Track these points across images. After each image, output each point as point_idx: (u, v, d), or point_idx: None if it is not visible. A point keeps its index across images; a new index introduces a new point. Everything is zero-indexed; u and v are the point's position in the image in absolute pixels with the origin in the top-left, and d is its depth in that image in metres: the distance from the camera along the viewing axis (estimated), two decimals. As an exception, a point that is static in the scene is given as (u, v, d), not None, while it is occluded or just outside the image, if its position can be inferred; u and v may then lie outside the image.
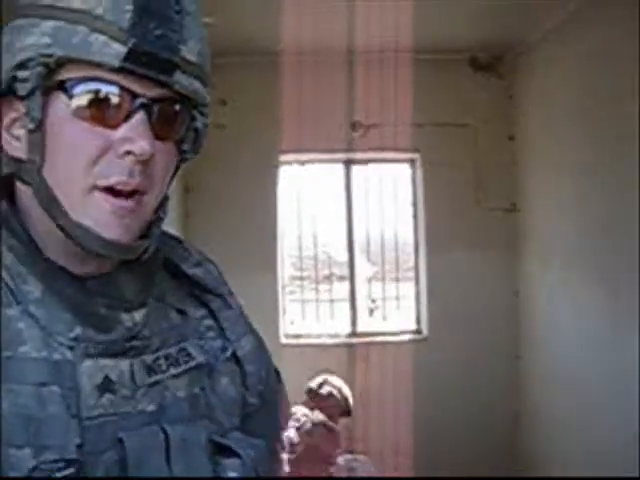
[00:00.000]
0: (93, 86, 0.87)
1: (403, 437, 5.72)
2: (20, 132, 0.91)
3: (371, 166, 6.60)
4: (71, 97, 0.87)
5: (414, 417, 5.71)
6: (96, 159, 0.88)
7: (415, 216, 6.54)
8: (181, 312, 1.07)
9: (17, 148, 0.91)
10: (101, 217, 0.89)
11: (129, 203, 0.90)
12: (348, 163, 6.49)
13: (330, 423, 3.77)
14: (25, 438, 0.82)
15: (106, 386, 0.90)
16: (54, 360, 0.87)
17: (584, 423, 4.85)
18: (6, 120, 0.92)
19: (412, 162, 6.52)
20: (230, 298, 1.21)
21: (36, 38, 0.85)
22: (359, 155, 6.39)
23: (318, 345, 6.24)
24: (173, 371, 0.97)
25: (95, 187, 0.88)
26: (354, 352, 6.19)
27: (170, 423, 0.93)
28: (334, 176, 6.59)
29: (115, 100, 0.88)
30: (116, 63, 0.84)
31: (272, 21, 5.02)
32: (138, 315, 0.96)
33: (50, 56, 0.84)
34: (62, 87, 0.87)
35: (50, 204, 0.89)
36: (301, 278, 6.83)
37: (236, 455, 0.96)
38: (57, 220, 0.89)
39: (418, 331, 6.44)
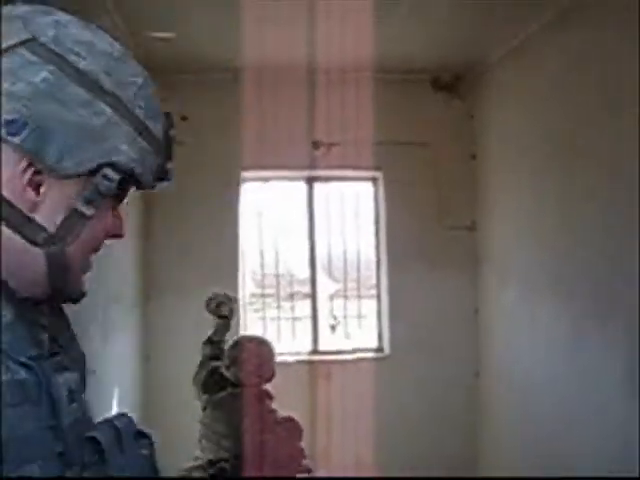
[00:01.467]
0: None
1: (364, 453, 5.71)
2: (42, 191, 0.97)
3: (333, 184, 6.62)
4: (115, 197, 1.06)
5: (375, 434, 5.70)
6: (102, 241, 1.10)
7: (377, 234, 6.56)
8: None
9: (32, 202, 0.97)
10: (84, 278, 1.09)
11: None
12: (310, 181, 6.51)
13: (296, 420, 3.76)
14: (25, 455, 0.86)
15: (72, 396, 0.98)
16: (18, 380, 0.89)
17: (543, 436, 4.88)
18: (26, 178, 0.96)
19: (374, 180, 6.55)
20: None
21: (128, 148, 1.01)
22: (321, 173, 6.41)
23: (280, 363, 6.18)
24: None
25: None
26: (316, 370, 6.18)
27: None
28: (296, 193, 6.60)
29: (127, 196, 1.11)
30: (154, 183, 1.13)
31: (233, 38, 5.03)
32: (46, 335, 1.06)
33: (132, 170, 1.03)
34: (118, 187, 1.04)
35: (60, 272, 1.01)
36: (263, 295, 6.81)
37: (144, 436, 1.12)
38: (56, 284, 1.02)
39: (380, 349, 6.44)
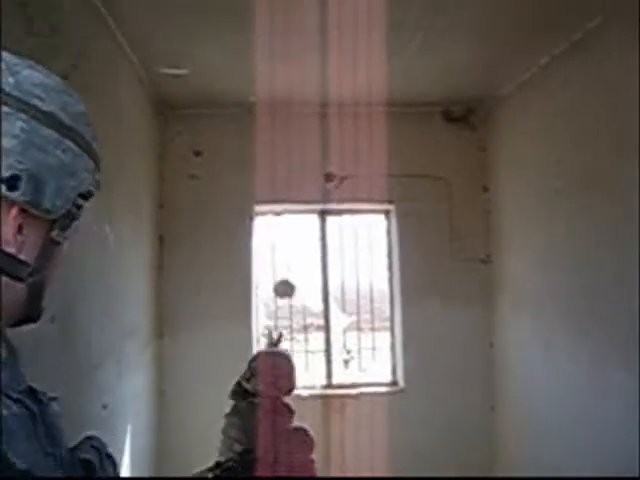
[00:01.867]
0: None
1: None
2: (24, 232, 1.01)
3: (346, 217, 6.62)
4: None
5: (389, 468, 5.64)
6: None
7: (390, 267, 6.55)
8: None
9: (19, 243, 1.01)
10: None
11: None
12: (323, 214, 6.52)
13: (309, 430, 3.76)
14: None
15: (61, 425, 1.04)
16: (14, 414, 0.91)
17: (560, 472, 4.81)
18: (16, 224, 1.00)
19: (387, 213, 6.56)
20: None
21: (87, 175, 1.09)
22: (334, 206, 6.42)
23: (293, 397, 6.16)
24: None
25: None
26: (329, 404, 6.14)
27: None
28: (309, 226, 6.61)
29: None
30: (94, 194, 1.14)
31: (246, 72, 5.09)
32: None
33: (90, 193, 1.10)
34: None
35: (38, 299, 1.07)
36: (276, 328, 6.79)
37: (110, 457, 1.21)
38: (33, 312, 1.08)
39: (394, 382, 6.40)
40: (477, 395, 6.17)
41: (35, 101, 0.98)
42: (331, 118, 6.07)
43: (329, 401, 6.18)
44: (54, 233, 1.04)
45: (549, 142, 5.10)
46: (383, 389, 6.36)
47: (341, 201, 6.34)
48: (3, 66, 0.98)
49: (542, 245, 5.24)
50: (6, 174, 0.94)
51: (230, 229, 6.04)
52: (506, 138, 6.03)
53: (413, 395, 6.14)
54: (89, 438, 1.18)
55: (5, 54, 1.01)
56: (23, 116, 0.96)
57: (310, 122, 6.08)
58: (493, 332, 6.22)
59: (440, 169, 6.31)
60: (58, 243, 1.06)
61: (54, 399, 1.10)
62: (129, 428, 4.72)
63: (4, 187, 0.94)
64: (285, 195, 6.14)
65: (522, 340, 5.64)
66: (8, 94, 0.96)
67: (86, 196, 1.09)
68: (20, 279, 1.01)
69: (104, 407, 3.96)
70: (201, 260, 6.02)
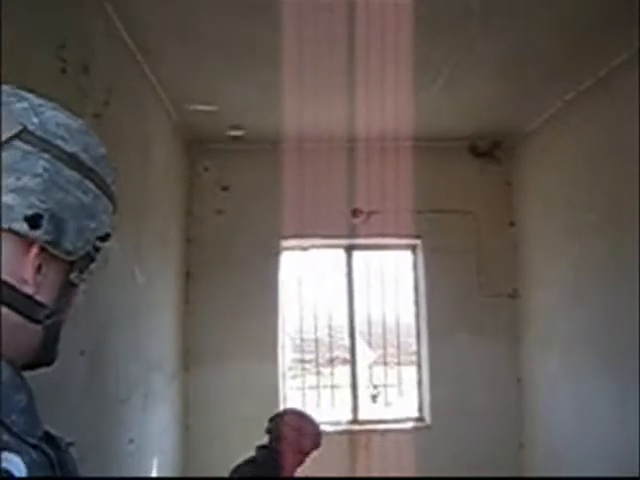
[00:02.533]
0: None
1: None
2: (43, 281, 1.00)
3: (372, 252, 6.63)
4: None
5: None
6: None
7: (417, 302, 6.53)
8: None
9: (37, 284, 0.99)
10: None
11: None
12: (349, 249, 6.53)
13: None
14: None
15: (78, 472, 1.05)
16: (33, 460, 0.91)
17: None
18: (35, 264, 0.99)
19: (413, 248, 6.56)
20: None
21: (105, 217, 1.09)
22: (360, 241, 6.43)
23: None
24: None
25: None
26: (356, 439, 6.10)
27: None
28: (336, 261, 6.62)
29: None
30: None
31: (274, 109, 5.14)
32: None
33: (108, 235, 1.10)
34: None
35: (54, 341, 1.06)
36: (302, 361, 6.79)
37: None
38: (48, 355, 1.06)
39: (420, 419, 6.35)
40: (505, 432, 6.09)
41: (58, 141, 0.99)
42: (358, 153, 6.11)
43: (355, 437, 6.14)
44: (73, 275, 1.04)
45: (575, 176, 5.09)
46: (409, 425, 6.31)
47: (368, 236, 6.34)
48: (27, 105, 0.99)
49: (570, 280, 5.20)
50: (28, 212, 0.94)
51: (257, 264, 6.07)
52: (532, 172, 6.03)
53: (440, 431, 6.08)
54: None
55: (29, 95, 1.02)
56: (46, 156, 0.97)
57: (337, 157, 6.12)
58: (521, 367, 6.16)
59: (466, 204, 6.31)
60: (76, 285, 1.06)
61: (71, 444, 1.10)
62: (155, 462, 4.72)
63: (26, 225, 0.94)
64: (312, 230, 6.17)
65: (550, 376, 5.58)
66: (32, 133, 0.96)
67: (104, 238, 1.09)
68: (37, 321, 1.00)
69: (131, 441, 3.97)
70: (228, 294, 6.04)
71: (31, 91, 1.03)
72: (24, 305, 0.98)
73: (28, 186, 0.94)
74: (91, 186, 1.03)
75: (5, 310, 0.96)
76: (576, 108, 5.03)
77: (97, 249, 1.08)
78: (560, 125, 5.35)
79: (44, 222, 0.95)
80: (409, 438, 6.05)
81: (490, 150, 6.45)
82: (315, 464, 5.42)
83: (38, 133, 0.97)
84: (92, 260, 1.07)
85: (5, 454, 0.78)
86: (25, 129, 0.96)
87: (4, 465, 0.77)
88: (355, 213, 6.24)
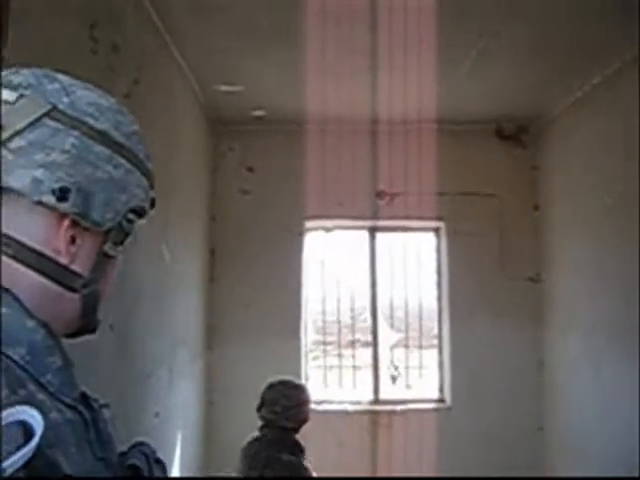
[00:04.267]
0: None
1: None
2: (77, 243, 1.06)
3: (396, 234, 6.65)
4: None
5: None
6: None
7: (439, 284, 6.55)
8: None
9: (71, 254, 1.05)
10: None
11: None
12: (373, 230, 6.56)
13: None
14: None
15: (111, 432, 1.10)
16: (68, 419, 0.98)
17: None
18: (68, 235, 1.05)
19: (436, 231, 6.57)
20: None
21: (139, 191, 1.13)
22: (384, 223, 6.45)
23: (340, 412, 6.21)
24: None
25: None
26: (377, 419, 6.15)
27: None
28: (359, 243, 6.65)
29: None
30: (148, 211, 1.19)
31: (298, 90, 5.16)
32: None
33: (143, 209, 1.15)
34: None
35: (93, 310, 1.12)
36: (324, 343, 6.83)
37: (159, 462, 1.27)
38: (89, 324, 1.13)
39: (441, 400, 6.38)
40: (525, 414, 6.12)
41: (88, 119, 1.04)
42: (382, 135, 6.12)
43: (376, 417, 6.19)
44: (107, 246, 1.09)
45: (601, 160, 5.07)
46: (430, 406, 6.35)
47: (391, 218, 6.37)
48: (58, 86, 1.04)
49: (593, 264, 5.19)
50: (56, 186, 0.99)
51: (280, 244, 6.11)
52: (558, 156, 6.01)
53: (460, 413, 6.11)
54: (139, 444, 1.23)
55: (62, 76, 1.07)
56: (75, 133, 1.02)
57: (361, 139, 6.14)
58: (542, 351, 6.17)
59: (491, 187, 6.30)
60: (112, 257, 1.11)
61: (106, 406, 1.14)
62: (179, 436, 4.80)
63: (54, 199, 0.99)
64: (335, 211, 6.20)
65: (572, 360, 5.58)
66: (62, 112, 1.01)
67: (139, 212, 1.14)
68: (73, 289, 1.06)
69: (156, 415, 4.04)
70: (251, 274, 6.09)
71: (63, 72, 1.08)
72: (60, 274, 1.04)
73: (57, 161, 0.99)
74: (122, 161, 1.08)
75: (43, 279, 1.02)
76: (602, 92, 5.01)
77: (130, 221, 1.12)
78: (586, 109, 5.33)
79: (71, 195, 1.00)
80: (430, 419, 6.09)
81: (516, 134, 6.43)
82: (337, 443, 5.50)
83: (68, 112, 1.02)
84: (127, 234, 1.12)
85: (25, 408, 0.81)
86: (55, 108, 1.01)
87: (23, 417, 0.80)
88: (379, 195, 6.26)
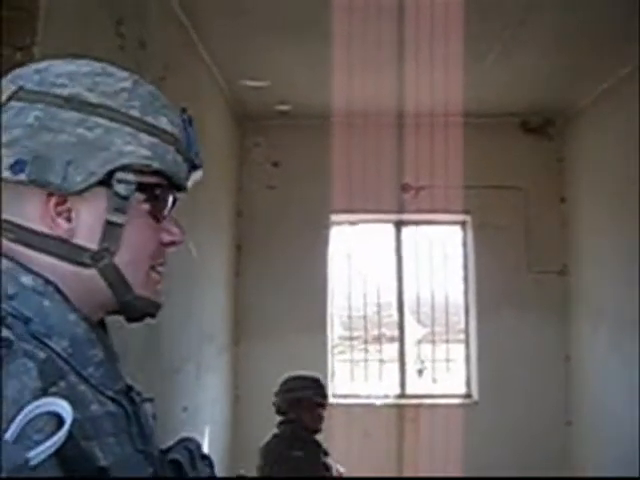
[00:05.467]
0: (160, 192, 1.09)
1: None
2: (72, 217, 1.02)
3: (422, 227, 6.63)
4: (146, 200, 1.07)
5: (463, 480, 5.62)
6: (155, 247, 1.11)
7: (465, 278, 6.53)
8: None
9: (66, 230, 1.02)
10: (154, 289, 1.12)
11: (162, 273, 1.15)
12: (398, 224, 6.55)
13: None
14: (127, 479, 0.96)
15: (152, 426, 1.10)
16: (109, 412, 0.98)
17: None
18: (61, 210, 1.02)
19: (463, 224, 6.54)
20: None
21: (134, 148, 1.03)
22: (410, 216, 6.44)
23: (367, 405, 6.21)
24: None
25: (151, 268, 1.11)
26: (403, 413, 6.15)
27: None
28: (384, 237, 6.64)
29: (169, 203, 1.13)
30: (186, 185, 1.14)
31: (324, 84, 5.16)
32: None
33: (149, 166, 1.04)
34: (141, 190, 1.06)
35: (119, 283, 1.06)
36: (350, 338, 6.83)
37: (206, 457, 1.23)
38: (122, 297, 1.07)
39: (468, 395, 6.37)
40: (553, 409, 6.08)
41: (55, 89, 1.00)
42: (408, 129, 6.10)
43: (403, 411, 6.18)
44: (109, 215, 1.03)
45: (628, 152, 5.02)
46: (457, 401, 6.34)
47: (417, 212, 6.35)
48: (31, 69, 1.04)
49: (621, 257, 5.15)
50: (12, 160, 0.97)
51: (306, 238, 6.12)
52: (584, 148, 5.96)
53: (487, 408, 6.09)
54: (184, 440, 1.20)
55: (55, 60, 1.06)
56: (39, 106, 0.99)
57: (386, 133, 6.13)
58: (569, 345, 6.13)
59: (517, 180, 6.26)
60: (117, 225, 1.04)
61: (150, 400, 1.14)
62: (207, 430, 4.82)
63: (9, 173, 0.97)
64: (361, 205, 6.19)
65: (600, 353, 5.54)
66: (28, 90, 1.00)
67: (144, 171, 1.04)
68: (84, 264, 1.02)
69: (184, 409, 4.07)
70: (277, 268, 6.11)
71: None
72: (64, 250, 1.02)
73: (17, 137, 0.98)
74: (101, 120, 1.01)
75: (50, 259, 1.01)
76: (629, 84, 4.95)
77: (124, 182, 1.03)
78: (613, 101, 5.28)
79: (27, 166, 0.97)
80: (456, 413, 6.08)
81: (542, 126, 6.39)
82: (363, 436, 5.51)
83: (35, 88, 1.00)
84: (122, 197, 1.03)
85: (56, 399, 0.81)
86: (21, 88, 1.00)
87: (53, 409, 0.80)
88: (404, 188, 6.25)
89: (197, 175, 1.18)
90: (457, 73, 4.95)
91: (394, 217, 6.48)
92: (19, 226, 1.01)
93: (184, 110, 1.16)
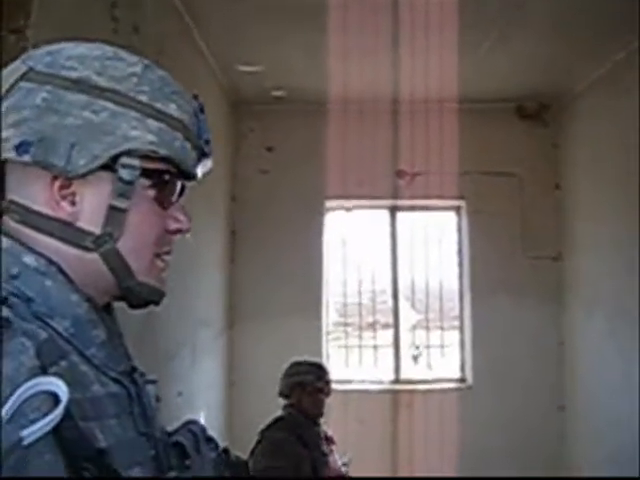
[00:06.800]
0: (168, 178, 1.09)
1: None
2: (76, 201, 1.02)
3: (416, 213, 6.63)
4: (152, 186, 1.06)
5: (458, 465, 5.65)
6: (160, 234, 1.10)
7: (460, 264, 6.54)
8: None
9: (69, 214, 1.02)
10: (159, 276, 1.12)
11: (167, 262, 1.15)
12: (393, 210, 6.54)
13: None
14: (127, 461, 0.96)
15: (155, 407, 1.11)
16: (111, 393, 0.99)
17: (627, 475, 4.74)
18: (66, 193, 1.02)
19: (457, 210, 6.54)
20: None
21: (140, 133, 1.02)
22: (404, 202, 6.44)
23: (361, 391, 6.23)
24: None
25: (155, 255, 1.10)
26: (398, 399, 6.17)
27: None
28: (380, 223, 6.64)
29: (176, 190, 1.13)
30: (194, 173, 1.14)
31: (319, 70, 5.15)
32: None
33: (155, 152, 1.03)
34: (147, 175, 1.05)
35: (121, 269, 1.05)
36: (345, 324, 6.84)
37: (211, 440, 1.24)
38: (124, 282, 1.06)
39: (462, 379, 6.39)
40: (546, 394, 6.11)
41: (64, 72, 1.00)
42: (403, 115, 6.09)
43: (397, 396, 6.20)
44: (112, 200, 1.02)
45: (623, 139, 5.02)
46: (451, 385, 6.36)
47: (412, 197, 6.35)
48: (43, 51, 1.03)
49: (615, 243, 5.16)
50: (17, 141, 0.97)
51: (301, 224, 6.11)
52: (579, 134, 5.96)
53: (481, 392, 6.11)
54: (189, 422, 1.21)
55: (67, 44, 1.05)
56: (48, 87, 0.99)
57: (381, 119, 6.11)
58: (563, 331, 6.15)
59: (512, 166, 6.26)
60: (120, 210, 1.03)
61: (153, 382, 1.15)
62: (202, 416, 4.83)
63: (14, 153, 0.97)
64: (356, 191, 6.19)
65: (593, 339, 5.56)
66: (38, 72, 1.00)
67: (150, 157, 1.03)
68: (86, 248, 1.02)
69: (179, 394, 4.08)
70: (272, 254, 6.11)
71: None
72: (67, 233, 1.02)
73: (24, 118, 0.98)
74: (106, 104, 1.00)
75: (54, 241, 1.01)
76: (625, 69, 4.94)
77: (128, 167, 1.02)
78: (609, 86, 5.27)
79: (32, 147, 0.97)
80: (451, 398, 6.10)
81: (537, 112, 6.38)
82: (358, 422, 5.52)
83: (44, 70, 1.00)
84: (126, 182, 1.02)
85: (52, 379, 0.81)
86: (31, 69, 1.00)
87: (48, 388, 0.80)
88: (399, 174, 6.24)
89: (207, 164, 1.18)
90: (452, 59, 4.94)
91: (389, 203, 6.47)
92: (25, 207, 1.01)
93: (195, 97, 1.16)
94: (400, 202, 6.44)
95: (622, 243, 5.04)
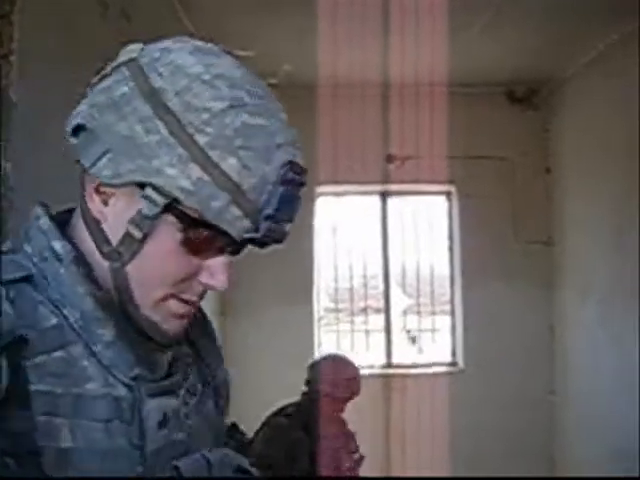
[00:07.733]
0: (203, 227, 0.95)
1: (438, 468, 5.68)
2: (109, 203, 0.99)
3: (407, 198, 6.63)
4: (182, 230, 0.95)
5: (450, 448, 5.67)
6: (183, 278, 1.00)
7: (451, 249, 6.54)
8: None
9: (99, 211, 1.00)
10: (169, 318, 1.02)
11: (192, 309, 1.06)
12: (384, 195, 6.54)
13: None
14: (98, 467, 0.92)
15: (164, 422, 1.01)
16: (115, 396, 0.95)
17: (618, 460, 4.77)
18: (100, 197, 1.00)
19: (448, 194, 6.55)
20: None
21: (176, 173, 0.90)
22: (395, 187, 6.43)
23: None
24: (190, 402, 1.10)
25: (172, 296, 1.01)
26: (390, 383, 6.19)
27: (197, 448, 1.06)
28: (370, 208, 6.63)
29: (217, 243, 0.99)
30: (240, 236, 0.96)
31: (308, 54, 5.12)
32: (167, 356, 1.08)
33: (179, 200, 0.91)
34: (178, 216, 0.94)
35: (123, 292, 0.99)
36: (337, 310, 6.85)
37: (245, 472, 1.13)
38: (124, 305, 1.00)
39: (453, 363, 6.41)
40: (537, 378, 6.14)
41: (152, 75, 0.94)
42: (393, 99, 6.07)
43: (389, 380, 6.22)
44: (130, 225, 0.95)
45: (614, 122, 5.03)
46: (443, 369, 6.38)
47: (402, 182, 6.34)
48: (160, 45, 0.99)
49: (606, 227, 5.17)
50: (76, 121, 0.96)
51: (292, 210, 6.09)
52: (570, 118, 5.96)
53: (473, 376, 6.13)
54: (220, 449, 1.14)
55: (189, 44, 1.02)
56: (132, 84, 0.94)
57: (372, 103, 6.08)
58: (554, 315, 6.18)
59: (502, 150, 6.26)
60: (134, 238, 0.95)
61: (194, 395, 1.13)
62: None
63: (69, 134, 0.97)
64: (346, 176, 6.16)
65: (584, 323, 5.58)
66: (138, 65, 0.96)
67: (177, 203, 0.92)
68: (101, 252, 0.99)
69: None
70: (263, 240, 6.08)
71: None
72: (93, 228, 1.01)
73: (97, 103, 0.95)
74: (161, 127, 0.91)
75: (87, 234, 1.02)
76: (616, 53, 4.94)
77: (152, 201, 0.92)
78: (599, 70, 5.27)
79: (82, 133, 0.95)
80: (442, 382, 6.12)
81: (527, 96, 6.37)
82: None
83: (142, 66, 0.95)
84: (144, 215, 0.94)
85: None
86: (135, 60, 0.96)
87: None
88: (390, 159, 6.23)
89: (273, 230, 1.00)
90: (443, 43, 4.92)
91: (379, 188, 6.46)
92: (83, 187, 1.02)
93: (291, 163, 1.00)
94: (391, 187, 6.43)
95: (613, 227, 5.06)
